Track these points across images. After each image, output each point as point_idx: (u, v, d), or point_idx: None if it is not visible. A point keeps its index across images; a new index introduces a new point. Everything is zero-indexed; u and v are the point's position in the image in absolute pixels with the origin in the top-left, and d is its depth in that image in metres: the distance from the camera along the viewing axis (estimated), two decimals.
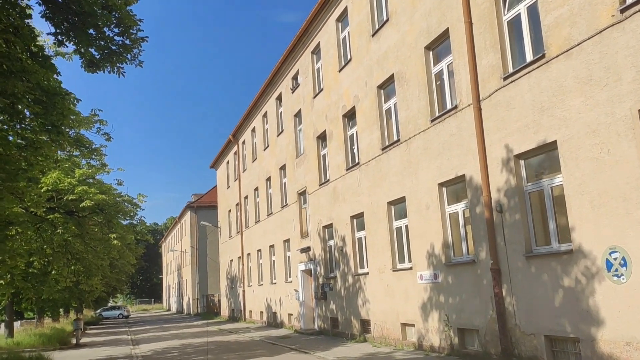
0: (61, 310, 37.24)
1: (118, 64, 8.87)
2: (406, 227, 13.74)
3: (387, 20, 14.45)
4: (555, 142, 8.93)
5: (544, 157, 9.46)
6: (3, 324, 24.74)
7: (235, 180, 33.24)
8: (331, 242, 18.62)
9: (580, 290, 8.44)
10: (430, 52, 12.72)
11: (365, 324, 16.03)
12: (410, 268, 13.35)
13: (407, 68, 13.46)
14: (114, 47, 8.72)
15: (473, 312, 11.03)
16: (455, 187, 11.91)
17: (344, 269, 17.22)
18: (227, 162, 35.88)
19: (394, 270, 14.18)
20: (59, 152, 17.28)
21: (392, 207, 14.49)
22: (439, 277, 12.16)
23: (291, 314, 22.89)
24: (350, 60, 16.79)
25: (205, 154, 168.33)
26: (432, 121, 12.41)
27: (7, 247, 8.96)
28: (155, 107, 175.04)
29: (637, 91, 7.46)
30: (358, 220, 16.54)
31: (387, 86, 14.82)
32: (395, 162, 14.06)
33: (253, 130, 29.34)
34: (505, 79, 10.07)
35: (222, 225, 37.51)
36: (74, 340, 23.74)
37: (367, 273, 15.65)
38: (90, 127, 16.39)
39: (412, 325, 13.39)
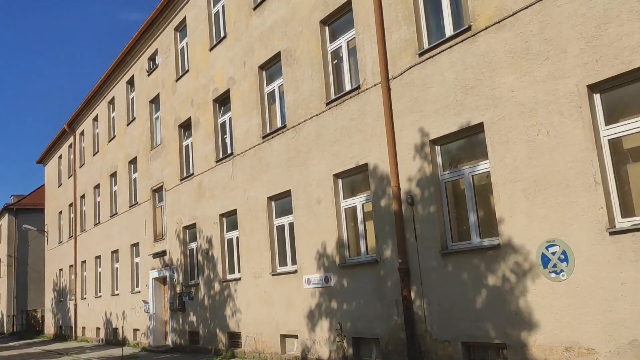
0: None
1: None
2: (290, 224, 12.10)
3: None
4: (481, 124, 7.97)
5: (466, 141, 8.49)
6: None
7: (69, 177, 28.81)
8: (193, 245, 16.27)
9: (509, 290, 7.51)
10: (327, 27, 11.32)
11: (234, 337, 14.00)
12: (295, 271, 11.71)
13: (297, 45, 11.90)
14: None
15: (373, 318, 9.72)
16: (354, 178, 10.59)
17: (210, 275, 15.02)
18: (60, 157, 31.13)
19: (273, 275, 12.42)
20: None
21: (274, 202, 12.75)
22: (331, 280, 10.69)
23: (137, 330, 19.84)
24: (225, 37, 14.79)
25: (31, 147, 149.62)
26: (327, 104, 10.97)
27: None
28: None
29: (585, 65, 6.71)
30: (229, 218, 14.50)
31: (271, 66, 13.11)
32: (279, 151, 12.37)
33: (95, 119, 25.58)
34: (420, 55, 8.97)
35: (50, 229, 32.41)
36: None
37: (239, 279, 13.68)
38: None
39: (295, 336, 11.74)
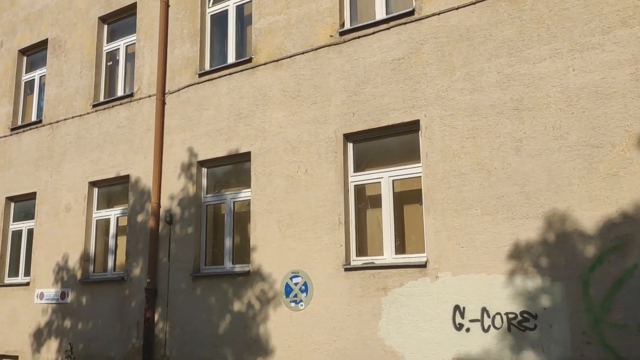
0: None
1: None
2: (30, 231, 10.74)
3: None
4: (249, 153, 8.20)
5: (232, 168, 8.63)
6: None
7: None
8: None
9: (252, 317, 7.72)
10: (106, 26, 10.61)
11: None
12: (27, 284, 10.37)
13: (69, 37, 10.88)
14: None
15: (110, 340, 9.06)
16: (112, 188, 9.92)
17: None
18: None
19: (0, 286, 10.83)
20: None
21: (13, 204, 11.21)
22: (68, 296, 9.73)
23: None
24: None
25: None
26: (94, 106, 10.18)
27: None
28: None
29: (344, 115, 7.43)
30: None
31: (34, 53, 11.71)
32: (29, 148, 10.99)
33: None
34: (200, 75, 8.95)
35: None
36: None
37: None
38: None
39: (15, 357, 10.29)
